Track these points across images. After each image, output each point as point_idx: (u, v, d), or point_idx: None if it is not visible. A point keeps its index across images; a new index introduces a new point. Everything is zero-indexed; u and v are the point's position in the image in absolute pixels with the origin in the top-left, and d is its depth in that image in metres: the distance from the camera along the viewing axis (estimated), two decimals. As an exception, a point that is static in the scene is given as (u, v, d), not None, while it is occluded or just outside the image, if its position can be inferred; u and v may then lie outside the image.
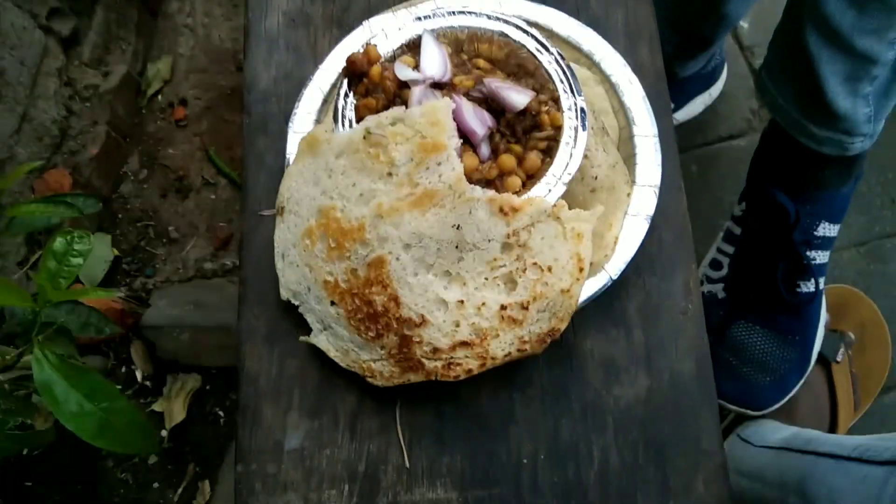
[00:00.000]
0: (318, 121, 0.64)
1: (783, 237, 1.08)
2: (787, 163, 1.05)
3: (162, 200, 1.43)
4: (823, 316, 1.20)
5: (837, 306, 1.32)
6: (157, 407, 1.29)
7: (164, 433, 1.27)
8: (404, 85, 0.60)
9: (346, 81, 0.61)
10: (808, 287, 1.11)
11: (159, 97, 1.51)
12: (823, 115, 0.93)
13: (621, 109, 0.68)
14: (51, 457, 1.20)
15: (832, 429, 1.24)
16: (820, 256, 1.13)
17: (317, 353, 0.62)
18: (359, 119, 0.60)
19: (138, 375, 1.31)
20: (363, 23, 0.67)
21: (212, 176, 1.43)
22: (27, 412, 0.80)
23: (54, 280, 0.70)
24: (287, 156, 0.64)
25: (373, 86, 0.60)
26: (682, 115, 1.44)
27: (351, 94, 0.61)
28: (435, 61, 0.61)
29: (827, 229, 1.10)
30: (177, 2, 1.60)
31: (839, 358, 1.25)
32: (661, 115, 0.68)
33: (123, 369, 1.31)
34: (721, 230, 1.27)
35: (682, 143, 1.48)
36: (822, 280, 1.13)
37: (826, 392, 1.25)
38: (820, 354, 1.21)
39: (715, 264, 1.21)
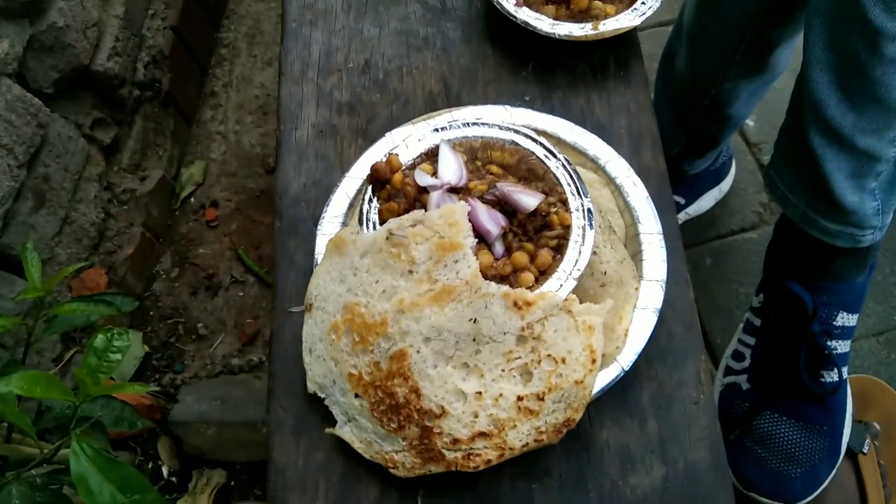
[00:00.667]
0: (344, 224, 0.69)
1: (802, 328, 1.09)
2: (801, 255, 1.08)
3: (192, 298, 1.48)
4: (850, 406, 1.20)
5: (861, 396, 1.32)
6: (182, 503, 1.30)
7: (188, 530, 1.28)
8: (424, 190, 0.66)
9: (370, 188, 0.67)
10: (832, 377, 1.12)
11: (192, 199, 1.59)
12: (832, 209, 0.96)
13: (626, 209, 0.72)
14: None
15: (862, 523, 1.21)
16: (841, 346, 1.13)
17: (342, 445, 0.65)
18: (382, 222, 0.65)
19: (164, 471, 1.33)
20: (386, 134, 0.73)
21: (240, 274, 1.49)
22: (60, 505, 0.82)
23: (94, 375, 0.74)
24: (315, 256, 0.69)
25: (395, 191, 0.66)
26: (694, 209, 1.49)
27: (375, 199, 0.66)
28: (451, 168, 0.66)
29: (846, 319, 1.11)
30: (210, 110, 1.71)
31: (866, 449, 1.24)
32: (665, 214, 0.72)
33: (150, 465, 1.33)
34: (738, 321, 1.29)
35: (695, 237, 1.52)
36: (845, 369, 1.14)
37: (854, 484, 1.23)
38: (847, 447, 1.20)
39: (737, 356, 1.22)
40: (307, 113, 0.79)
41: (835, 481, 1.19)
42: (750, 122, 1.66)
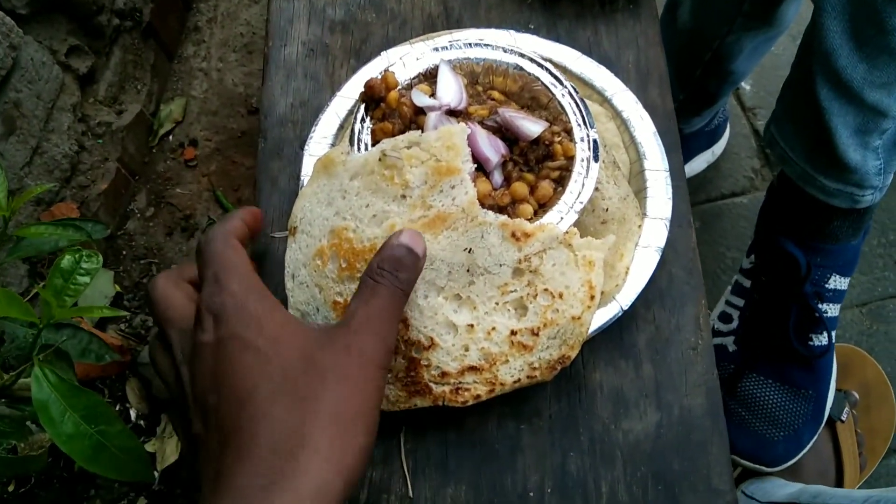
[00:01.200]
0: (333, 145, 0.65)
1: (794, 289, 1.08)
2: (797, 215, 1.06)
3: (167, 238, 1.43)
4: (835, 372, 1.19)
5: (841, 366, 1.31)
6: (149, 447, 1.26)
7: (155, 474, 1.24)
8: (420, 111, 0.61)
9: (363, 106, 0.62)
10: (821, 340, 1.11)
11: (170, 137, 1.54)
12: (834, 167, 0.94)
13: (632, 144, 0.68)
14: (36, 497, 1.17)
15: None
16: (831, 310, 1.12)
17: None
18: (374, 143, 0.61)
19: (132, 414, 1.29)
20: (381, 53, 0.69)
21: (218, 216, 1.44)
22: (20, 435, 0.78)
23: (60, 297, 0.69)
24: (301, 179, 0.65)
25: (389, 111, 0.61)
26: (686, 171, 1.46)
27: (368, 119, 0.62)
28: (451, 89, 0.62)
29: (838, 282, 1.10)
30: (193, 46, 1.64)
31: (844, 417, 1.23)
32: (672, 153, 0.69)
33: (118, 407, 1.29)
34: (724, 285, 1.27)
35: (685, 198, 1.50)
36: (833, 333, 1.13)
37: (831, 452, 1.23)
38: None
39: (724, 317, 1.20)
40: (298, 29, 0.75)
41: (812, 448, 1.19)
42: (746, 86, 1.63)
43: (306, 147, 0.65)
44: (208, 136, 1.53)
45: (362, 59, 0.73)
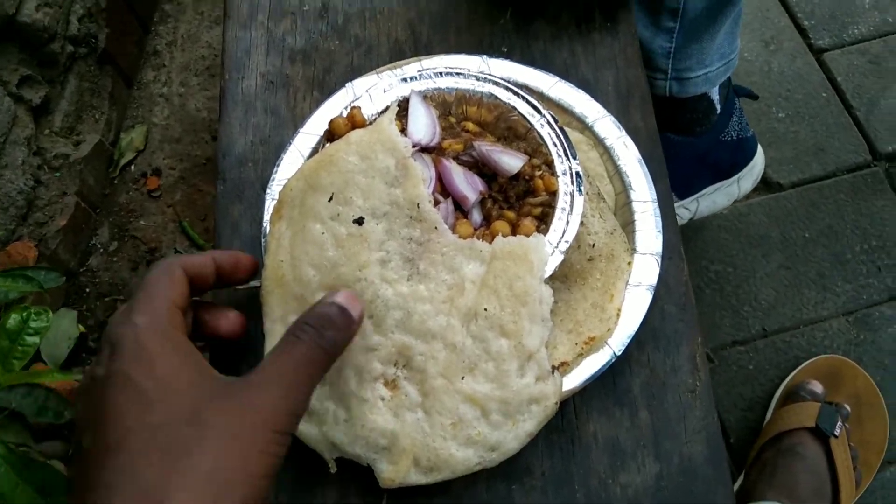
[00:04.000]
0: None
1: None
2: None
3: (132, 274, 1.37)
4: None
5: (831, 377, 1.29)
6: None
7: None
8: (391, 148, 0.57)
9: (326, 145, 0.57)
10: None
11: (132, 167, 1.47)
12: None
13: (617, 174, 0.64)
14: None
15: (835, 507, 1.18)
16: None
17: (296, 442, 0.57)
18: None
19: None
20: (346, 84, 0.64)
21: (185, 248, 1.38)
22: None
23: (6, 361, 0.64)
24: (263, 225, 0.60)
25: None
26: (702, 207, 1.37)
27: None
28: (422, 124, 0.57)
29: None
30: (153, 71, 1.58)
31: (837, 432, 1.20)
32: (658, 180, 0.65)
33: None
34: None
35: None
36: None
37: (826, 469, 1.20)
38: (818, 429, 1.16)
39: None
40: (256, 61, 0.70)
41: (807, 466, 1.16)
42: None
43: (268, 190, 0.60)
44: (172, 165, 1.47)
45: (326, 90, 0.68)
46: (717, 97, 1.11)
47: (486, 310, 0.52)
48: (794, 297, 1.42)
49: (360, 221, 0.52)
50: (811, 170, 1.52)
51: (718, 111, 1.14)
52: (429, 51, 0.70)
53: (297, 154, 0.62)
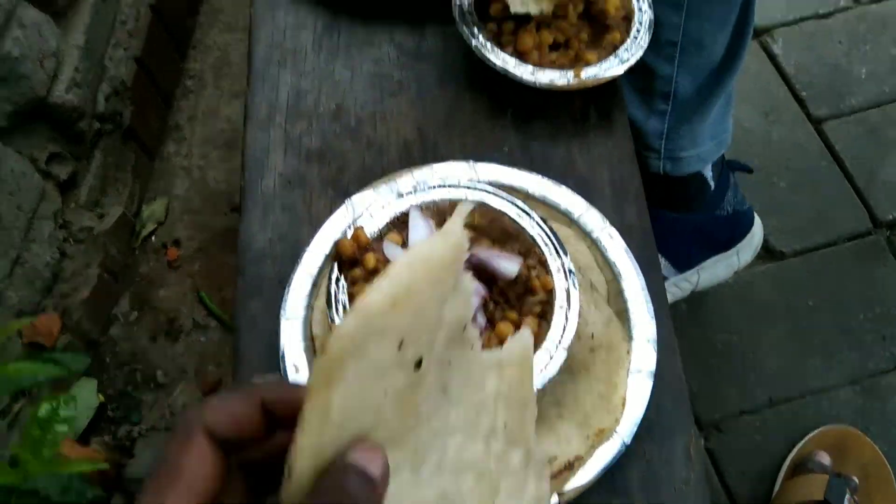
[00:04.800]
0: (309, 306, 0.64)
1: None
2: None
3: (151, 343, 1.41)
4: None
5: (839, 448, 1.29)
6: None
7: None
8: (395, 263, 0.61)
9: (335, 266, 0.62)
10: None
11: (153, 238, 1.53)
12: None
13: (606, 264, 0.69)
14: None
15: (846, 582, 1.18)
16: None
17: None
18: (352, 302, 0.60)
19: (118, 531, 1.25)
20: (346, 201, 0.68)
21: (202, 318, 1.43)
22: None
23: (37, 450, 0.67)
24: (281, 347, 0.63)
25: (367, 272, 0.61)
26: (702, 279, 1.41)
27: (342, 279, 0.62)
28: (422, 237, 0.62)
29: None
30: (174, 144, 1.65)
31: (846, 504, 1.21)
32: (651, 273, 0.68)
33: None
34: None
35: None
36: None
37: (836, 541, 1.20)
38: (826, 503, 1.17)
39: None
40: (274, 161, 0.75)
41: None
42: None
43: (283, 311, 0.64)
44: (191, 235, 1.53)
45: (340, 188, 0.73)
46: (711, 174, 1.15)
47: (505, 425, 0.47)
48: (801, 365, 1.43)
49: (419, 364, 0.38)
50: (813, 238, 1.54)
51: (712, 188, 1.18)
52: (435, 149, 0.75)
53: (307, 275, 0.65)
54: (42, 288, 1.31)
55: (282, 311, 0.64)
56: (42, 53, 1.29)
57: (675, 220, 1.20)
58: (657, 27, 0.86)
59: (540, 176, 0.71)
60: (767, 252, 1.52)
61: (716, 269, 1.34)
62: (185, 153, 1.64)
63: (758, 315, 1.47)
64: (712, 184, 1.17)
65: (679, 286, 1.30)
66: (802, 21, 1.78)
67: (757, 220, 1.35)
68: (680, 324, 1.45)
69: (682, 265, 1.29)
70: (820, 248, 1.54)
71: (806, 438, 1.32)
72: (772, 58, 1.74)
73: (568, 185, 0.71)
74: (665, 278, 1.25)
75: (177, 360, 1.38)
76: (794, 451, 1.31)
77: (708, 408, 1.39)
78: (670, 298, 1.31)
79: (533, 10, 0.72)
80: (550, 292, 0.62)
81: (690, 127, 1.01)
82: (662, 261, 1.24)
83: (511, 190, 0.69)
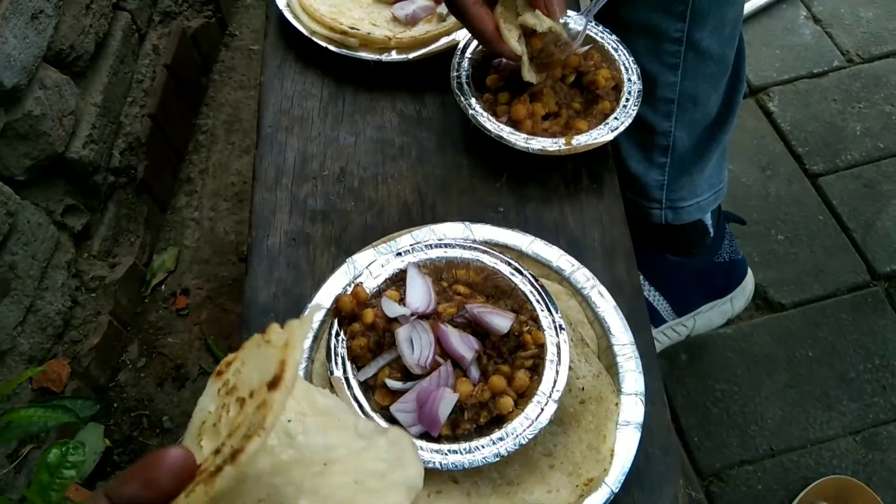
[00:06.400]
0: (310, 358, 0.67)
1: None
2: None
3: (158, 389, 1.44)
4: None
5: (840, 498, 1.30)
6: None
7: None
8: (393, 319, 0.64)
9: (335, 321, 0.65)
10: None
11: (163, 287, 1.57)
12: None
13: (596, 320, 0.71)
14: None
15: None
16: None
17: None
18: (352, 358, 0.64)
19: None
20: (346, 260, 0.72)
21: (209, 365, 1.45)
22: None
23: (45, 494, 0.70)
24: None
25: (365, 327, 0.64)
26: (698, 324, 1.44)
27: (342, 333, 0.65)
28: (419, 294, 0.65)
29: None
30: (185, 196, 1.70)
31: (847, 556, 1.21)
32: (640, 330, 0.71)
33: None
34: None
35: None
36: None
37: None
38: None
39: None
40: (280, 220, 0.79)
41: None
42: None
43: None
44: (199, 285, 1.57)
45: (342, 247, 0.76)
46: (711, 222, 1.19)
47: None
48: (801, 416, 1.44)
49: None
50: (812, 290, 1.57)
51: (712, 234, 1.22)
52: (433, 211, 0.79)
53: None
54: (53, 335, 1.35)
55: None
56: (61, 112, 1.34)
57: (677, 265, 1.24)
58: (655, 86, 0.91)
59: (531, 236, 0.75)
60: (766, 303, 1.54)
61: (711, 315, 1.38)
62: (195, 205, 1.68)
63: (758, 366, 1.49)
64: (712, 231, 1.21)
65: (676, 330, 1.34)
66: (797, 80, 1.83)
67: (749, 271, 1.39)
68: (680, 374, 1.47)
69: (679, 310, 1.32)
70: (819, 300, 1.56)
71: (807, 489, 1.32)
72: (768, 115, 1.78)
73: (560, 245, 0.75)
74: (664, 321, 1.30)
75: (183, 406, 1.41)
76: (796, 501, 1.31)
77: (709, 457, 1.39)
78: (667, 343, 1.34)
79: (535, 79, 0.77)
80: (542, 347, 0.65)
81: (690, 178, 1.06)
82: (664, 303, 1.28)
83: (505, 249, 0.73)
